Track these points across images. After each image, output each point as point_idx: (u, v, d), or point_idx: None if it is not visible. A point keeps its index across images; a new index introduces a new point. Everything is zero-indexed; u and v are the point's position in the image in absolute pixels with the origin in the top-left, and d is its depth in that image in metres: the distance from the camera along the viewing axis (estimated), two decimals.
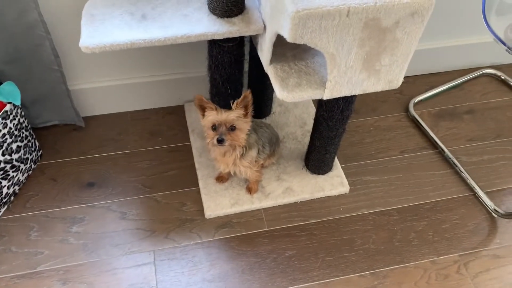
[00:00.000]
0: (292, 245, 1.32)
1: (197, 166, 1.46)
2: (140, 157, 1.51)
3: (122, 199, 1.40)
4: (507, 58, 1.83)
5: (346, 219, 1.38)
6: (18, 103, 1.28)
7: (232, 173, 1.31)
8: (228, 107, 1.15)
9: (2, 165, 1.28)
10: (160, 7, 1.15)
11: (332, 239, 1.34)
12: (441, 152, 1.56)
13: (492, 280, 1.28)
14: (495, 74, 1.82)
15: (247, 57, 1.32)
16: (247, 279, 1.25)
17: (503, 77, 1.81)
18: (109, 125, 1.59)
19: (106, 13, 1.13)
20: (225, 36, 1.11)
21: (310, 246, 1.32)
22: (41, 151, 1.48)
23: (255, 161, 1.28)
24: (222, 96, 1.33)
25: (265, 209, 1.39)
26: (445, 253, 1.32)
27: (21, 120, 1.34)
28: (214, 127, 1.15)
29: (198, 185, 1.42)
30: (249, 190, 1.39)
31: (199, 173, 1.44)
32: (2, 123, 1.25)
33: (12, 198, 1.38)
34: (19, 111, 1.32)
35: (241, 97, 1.13)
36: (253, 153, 1.25)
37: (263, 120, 1.56)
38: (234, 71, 1.27)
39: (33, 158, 1.43)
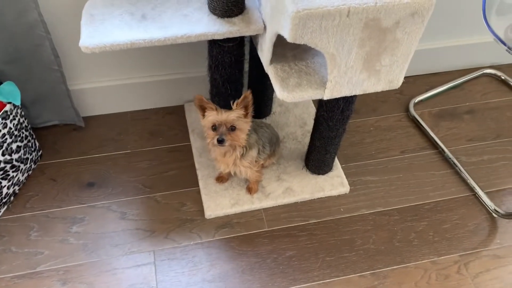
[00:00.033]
0: (292, 245, 1.32)
1: (197, 166, 1.46)
2: (140, 157, 1.51)
3: (122, 199, 1.40)
4: (507, 58, 1.83)
5: (346, 219, 1.38)
6: (18, 103, 1.28)
7: (232, 173, 1.31)
8: (228, 107, 1.15)
9: (2, 165, 1.28)
10: (160, 7, 1.15)
11: (332, 239, 1.34)
12: (441, 152, 1.56)
13: (493, 280, 1.28)
14: (495, 74, 1.82)
15: (247, 57, 1.32)
16: (247, 279, 1.25)
17: (503, 77, 1.81)
18: (109, 125, 1.59)
19: (106, 13, 1.12)
20: (225, 36, 1.11)
21: (310, 246, 1.32)
22: (41, 151, 1.48)
23: (255, 161, 1.28)
24: (222, 96, 1.33)
25: (265, 209, 1.39)
26: (445, 253, 1.32)
27: (21, 120, 1.34)
28: (214, 127, 1.14)
29: (198, 185, 1.42)
30: (249, 190, 1.39)
31: (199, 173, 1.44)
32: (2, 123, 1.25)
33: (12, 198, 1.38)
34: (19, 111, 1.32)
35: (241, 97, 1.13)
36: (253, 153, 1.25)
37: (263, 120, 1.56)
38: (234, 71, 1.27)
39: (33, 158, 1.43)
